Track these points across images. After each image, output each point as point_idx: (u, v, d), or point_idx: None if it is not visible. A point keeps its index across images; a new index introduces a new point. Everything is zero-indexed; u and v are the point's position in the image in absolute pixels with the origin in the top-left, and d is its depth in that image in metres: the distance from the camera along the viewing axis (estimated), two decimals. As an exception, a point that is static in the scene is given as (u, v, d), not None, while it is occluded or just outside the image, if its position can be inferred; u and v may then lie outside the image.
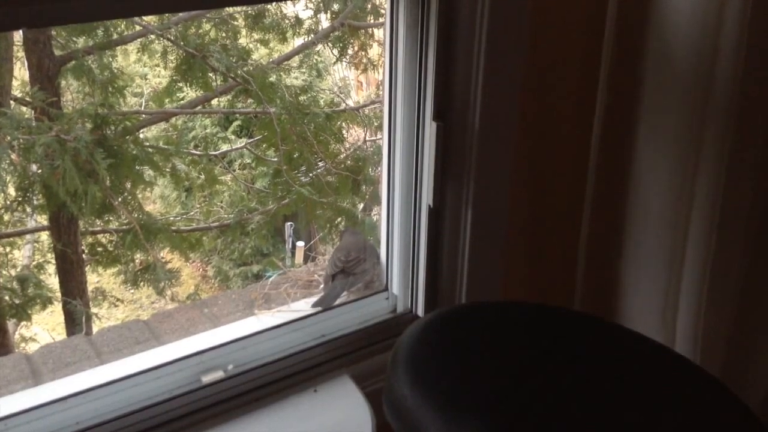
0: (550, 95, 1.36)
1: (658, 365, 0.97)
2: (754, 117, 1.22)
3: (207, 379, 1.25)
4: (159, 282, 4.15)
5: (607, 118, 1.34)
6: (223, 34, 4.32)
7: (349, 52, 4.65)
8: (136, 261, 4.30)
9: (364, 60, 4.77)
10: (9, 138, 3.31)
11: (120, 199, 3.85)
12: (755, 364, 1.47)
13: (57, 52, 3.85)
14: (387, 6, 1.25)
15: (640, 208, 1.35)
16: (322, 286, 1.54)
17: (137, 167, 3.78)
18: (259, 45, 4.88)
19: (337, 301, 1.42)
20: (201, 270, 6.48)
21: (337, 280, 1.44)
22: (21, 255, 4.58)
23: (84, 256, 4.26)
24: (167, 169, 4.07)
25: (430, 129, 1.26)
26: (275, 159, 4.42)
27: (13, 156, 3.43)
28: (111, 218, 4.06)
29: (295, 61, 4.92)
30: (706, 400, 0.91)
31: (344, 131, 4.74)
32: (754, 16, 1.13)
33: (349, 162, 4.61)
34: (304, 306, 1.45)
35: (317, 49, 4.94)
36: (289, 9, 4.59)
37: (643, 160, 1.31)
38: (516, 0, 1.19)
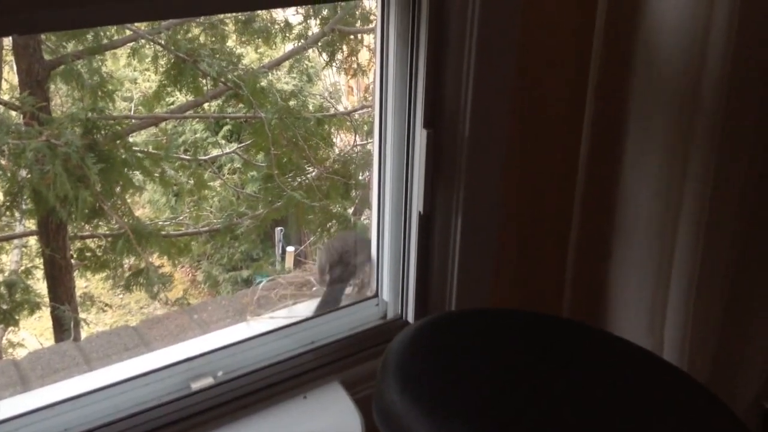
0: (540, 102, 1.37)
1: (646, 373, 0.97)
2: (741, 123, 1.24)
3: (196, 385, 1.24)
4: (152, 286, 4.14)
5: (595, 126, 1.35)
6: (213, 39, 4.31)
7: (339, 57, 4.65)
8: (126, 266, 4.28)
9: (354, 65, 4.78)
10: (-2, 142, 3.30)
11: (110, 204, 3.84)
12: (742, 372, 1.48)
13: (46, 57, 3.84)
14: (378, 13, 1.26)
15: (629, 214, 1.36)
16: (315, 288, 1.54)
17: (127, 172, 3.76)
18: (249, 49, 4.87)
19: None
20: (190, 275, 6.46)
21: (334, 271, 1.44)
22: (8, 260, 4.55)
23: (72, 261, 4.24)
24: (156, 174, 4.06)
25: (420, 136, 1.27)
26: (264, 164, 4.42)
27: (2, 161, 3.42)
28: (100, 223, 4.04)
29: (286, 66, 4.92)
30: (695, 407, 0.92)
31: (335, 136, 4.74)
32: (741, 24, 1.14)
33: (339, 166, 4.61)
34: (295, 311, 1.45)
35: (307, 54, 4.95)
36: (279, 14, 4.59)
37: (632, 167, 1.32)
38: (506, 9, 1.20)
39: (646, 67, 1.26)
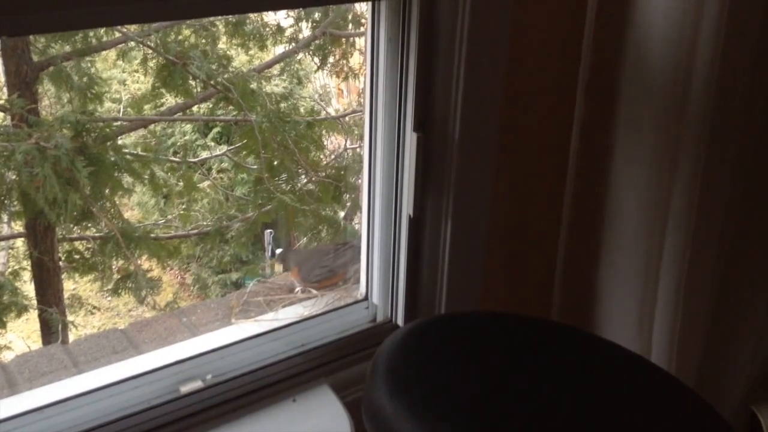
0: (529, 108, 1.38)
1: (634, 376, 0.98)
2: (729, 130, 1.25)
3: (185, 389, 1.24)
4: (140, 290, 4.12)
5: (584, 131, 1.36)
6: (204, 41, 4.30)
7: (330, 60, 4.65)
8: (114, 269, 4.25)
9: (345, 68, 4.78)
10: (-14, 145, 3.28)
11: (98, 206, 3.82)
12: (729, 374, 1.49)
13: (35, 58, 3.82)
14: (368, 18, 1.26)
15: (618, 218, 1.36)
16: (297, 289, 1.55)
17: (116, 174, 3.75)
18: (240, 51, 4.86)
19: (317, 310, 1.43)
20: (179, 278, 6.43)
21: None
22: (-4, 262, 4.52)
23: (60, 263, 4.21)
24: (146, 176, 4.04)
25: (410, 139, 1.27)
26: (255, 166, 4.41)
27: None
28: (89, 225, 4.02)
29: (276, 69, 4.91)
30: (683, 410, 0.93)
31: (325, 139, 4.73)
32: (728, 32, 1.15)
33: (330, 170, 4.61)
34: (283, 315, 1.45)
35: (298, 57, 4.94)
36: (270, 17, 4.59)
37: (620, 172, 1.33)
38: (496, 14, 1.20)
39: (634, 73, 1.27)
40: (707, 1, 1.15)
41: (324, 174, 4.55)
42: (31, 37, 3.77)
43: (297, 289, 1.59)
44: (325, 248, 1.68)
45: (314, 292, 1.57)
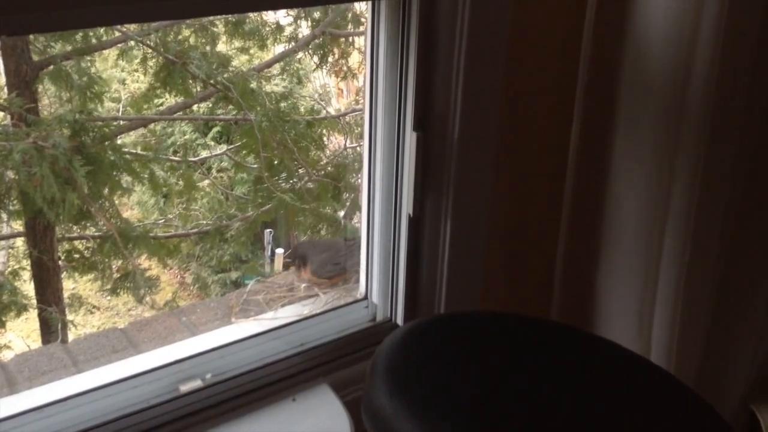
0: (530, 107, 1.38)
1: (633, 375, 0.98)
2: (729, 130, 1.25)
3: (185, 388, 1.24)
4: (139, 290, 4.12)
5: (584, 131, 1.36)
6: (203, 41, 4.30)
7: (330, 59, 4.65)
8: (114, 268, 4.25)
9: (345, 68, 4.78)
10: (-15, 144, 3.28)
11: (97, 206, 3.82)
12: (728, 374, 1.49)
13: (35, 57, 3.82)
14: (368, 17, 1.26)
15: (617, 218, 1.36)
16: (303, 286, 1.55)
17: (115, 174, 3.75)
18: (239, 52, 4.86)
19: (317, 310, 1.43)
20: (179, 277, 6.42)
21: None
22: (-5, 261, 4.51)
23: (60, 262, 4.21)
24: (145, 176, 4.04)
25: (410, 139, 1.27)
26: (255, 166, 4.41)
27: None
28: (88, 225, 4.02)
29: (276, 68, 4.91)
30: (682, 409, 0.93)
31: (325, 138, 4.73)
32: (728, 32, 1.15)
33: (330, 169, 4.61)
34: (283, 314, 1.45)
35: (298, 56, 4.94)
36: (270, 16, 4.59)
37: (620, 172, 1.33)
38: (495, 13, 1.20)
39: (634, 72, 1.27)
40: (707, 1, 1.15)
41: (324, 173, 4.56)
42: (30, 36, 3.77)
43: (297, 288, 1.59)
44: (336, 242, 1.69)
45: (315, 290, 1.57)
